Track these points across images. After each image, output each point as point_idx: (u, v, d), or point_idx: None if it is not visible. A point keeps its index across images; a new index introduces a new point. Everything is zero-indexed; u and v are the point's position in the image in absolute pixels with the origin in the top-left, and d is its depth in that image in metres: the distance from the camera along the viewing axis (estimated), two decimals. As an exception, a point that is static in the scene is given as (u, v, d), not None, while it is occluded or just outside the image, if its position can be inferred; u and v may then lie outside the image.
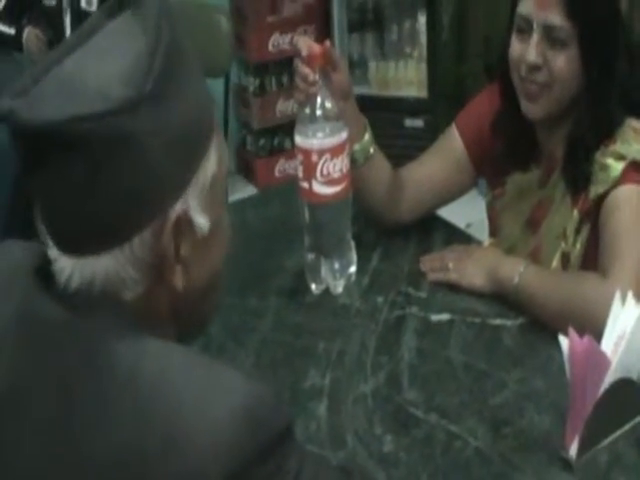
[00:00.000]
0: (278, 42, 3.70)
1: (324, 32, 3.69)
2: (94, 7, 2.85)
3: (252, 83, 3.81)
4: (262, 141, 3.97)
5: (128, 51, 0.84)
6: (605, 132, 1.62)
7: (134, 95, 0.81)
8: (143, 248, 0.86)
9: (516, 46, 1.63)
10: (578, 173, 1.64)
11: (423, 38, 3.59)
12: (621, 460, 1.27)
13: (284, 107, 3.85)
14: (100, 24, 0.89)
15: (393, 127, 3.66)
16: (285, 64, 3.73)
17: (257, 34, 3.67)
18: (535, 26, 1.58)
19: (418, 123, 3.77)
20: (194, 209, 0.88)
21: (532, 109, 1.64)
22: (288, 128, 3.80)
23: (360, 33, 3.80)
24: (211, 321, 1.03)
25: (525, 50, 1.60)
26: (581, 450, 1.25)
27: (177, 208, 0.87)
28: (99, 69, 0.83)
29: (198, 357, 0.89)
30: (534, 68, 1.60)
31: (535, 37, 1.59)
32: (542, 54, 1.59)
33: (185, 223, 0.88)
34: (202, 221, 0.89)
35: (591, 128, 1.62)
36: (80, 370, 0.86)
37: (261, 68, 3.78)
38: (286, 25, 3.68)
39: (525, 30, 1.61)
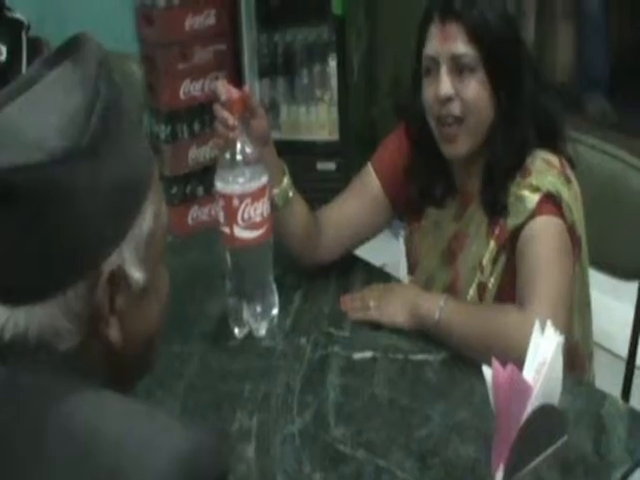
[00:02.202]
0: (189, 89, 3.71)
1: (235, 78, 3.71)
2: (3, 57, 2.83)
3: (163, 131, 3.80)
4: (174, 189, 3.96)
5: (67, 104, 0.84)
6: (519, 156, 1.67)
7: (70, 147, 0.82)
8: (77, 300, 0.86)
9: (427, 88, 1.67)
10: (495, 202, 1.69)
11: (334, 81, 3.64)
12: (545, 483, 1.31)
13: (196, 154, 3.85)
14: (41, 73, 0.89)
15: (305, 170, 3.68)
16: (197, 111, 3.74)
17: (168, 81, 3.67)
18: (442, 60, 1.63)
19: (330, 166, 3.81)
20: (129, 263, 0.88)
21: (453, 150, 1.69)
22: (200, 175, 3.85)
23: (271, 78, 3.84)
24: (150, 371, 1.03)
25: (436, 87, 1.65)
26: (507, 476, 1.29)
27: (111, 262, 0.87)
28: (37, 120, 0.84)
29: (135, 405, 0.89)
30: (447, 100, 1.64)
31: (443, 69, 1.63)
32: (453, 85, 1.63)
33: (120, 277, 0.88)
34: (138, 275, 0.89)
35: (506, 153, 1.67)
36: (15, 424, 0.85)
37: (172, 115, 3.78)
38: (197, 72, 3.70)
39: (433, 69, 1.65)
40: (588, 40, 3.90)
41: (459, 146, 1.68)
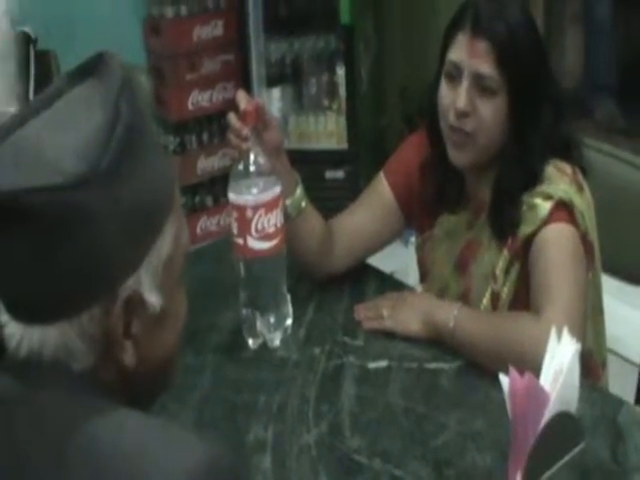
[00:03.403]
0: (197, 100, 3.72)
1: (244, 88, 3.71)
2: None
3: (172, 142, 3.81)
4: (183, 199, 3.97)
5: (87, 123, 0.84)
6: (530, 180, 1.67)
7: (88, 171, 0.81)
8: (92, 323, 0.85)
9: (446, 92, 1.67)
10: (504, 220, 1.69)
11: (342, 90, 3.64)
12: (563, 492, 1.30)
13: (205, 165, 3.86)
14: (64, 89, 0.88)
15: (314, 179, 3.68)
16: (205, 121, 3.75)
17: (176, 92, 3.69)
18: (466, 74, 1.62)
19: (339, 175, 3.82)
20: (146, 288, 0.87)
21: (459, 157, 1.69)
22: (209, 186, 3.85)
23: (279, 87, 3.85)
24: (167, 390, 1.02)
25: (455, 97, 1.64)
26: (525, 484, 1.28)
27: (128, 286, 0.86)
28: (56, 140, 0.83)
29: (152, 421, 0.89)
30: (463, 115, 1.64)
31: (465, 84, 1.63)
32: (471, 101, 1.63)
33: (136, 301, 0.87)
34: (154, 300, 0.89)
35: (516, 177, 1.67)
36: (35, 442, 0.84)
37: (181, 126, 3.79)
38: (205, 82, 3.70)
39: (455, 77, 1.65)
40: (596, 45, 3.90)
41: (465, 155, 1.68)
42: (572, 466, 1.31)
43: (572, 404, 1.34)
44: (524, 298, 1.66)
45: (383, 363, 1.64)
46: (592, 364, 1.76)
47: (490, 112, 1.63)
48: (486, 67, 1.61)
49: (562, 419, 1.31)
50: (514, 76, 1.61)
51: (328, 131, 3.82)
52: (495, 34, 1.60)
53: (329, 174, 3.85)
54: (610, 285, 1.90)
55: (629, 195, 1.96)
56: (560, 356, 1.33)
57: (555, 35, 3.92)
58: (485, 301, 1.74)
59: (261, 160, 1.61)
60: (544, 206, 1.65)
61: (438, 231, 1.86)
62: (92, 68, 0.90)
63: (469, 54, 1.62)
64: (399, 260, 2.56)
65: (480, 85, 1.62)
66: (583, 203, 1.69)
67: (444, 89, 1.67)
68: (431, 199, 1.82)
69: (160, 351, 0.94)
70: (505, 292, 1.72)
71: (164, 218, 0.89)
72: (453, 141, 1.68)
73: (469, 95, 1.63)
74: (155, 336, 0.92)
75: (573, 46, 3.96)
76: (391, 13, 3.53)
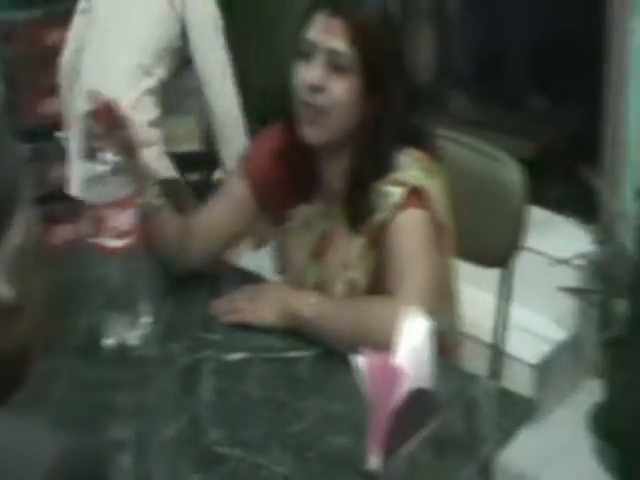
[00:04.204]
0: (51, 106, 3.64)
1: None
2: None
3: (26, 149, 3.73)
4: (39, 208, 3.86)
5: None
6: (383, 168, 1.70)
7: None
8: None
9: (299, 70, 1.69)
10: (358, 208, 1.72)
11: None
12: (421, 464, 1.33)
13: (60, 172, 3.78)
14: None
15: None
16: (59, 128, 3.67)
17: (29, 99, 3.60)
18: (320, 49, 1.65)
19: (195, 177, 3.80)
20: None
21: (310, 132, 1.70)
22: (63, 193, 3.77)
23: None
24: (22, 388, 1.00)
25: (308, 72, 1.67)
26: (383, 460, 1.31)
27: None
28: None
29: (5, 418, 0.86)
30: (315, 89, 1.66)
31: (318, 59, 1.65)
32: (324, 77, 1.65)
33: None
34: (5, 291, 0.87)
35: (370, 166, 1.70)
36: None
37: (34, 133, 3.70)
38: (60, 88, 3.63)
39: (309, 54, 1.67)
40: (449, 40, 3.99)
41: (317, 130, 1.69)
42: (429, 440, 1.33)
43: (427, 380, 1.37)
44: (381, 284, 1.68)
45: (241, 355, 1.64)
46: (446, 344, 1.79)
47: (343, 89, 1.66)
48: (340, 44, 1.64)
49: (418, 395, 1.34)
50: (367, 56, 1.65)
51: (186, 133, 3.80)
52: (352, 13, 1.65)
53: (189, 176, 3.82)
54: (464, 269, 1.95)
55: (483, 182, 2.02)
56: (414, 334, 1.37)
57: (410, 30, 3.99)
58: (342, 289, 1.76)
59: (115, 159, 1.59)
60: (397, 193, 1.68)
61: (294, 222, 1.87)
62: None
63: (325, 31, 1.65)
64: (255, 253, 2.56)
65: (334, 62, 1.65)
66: (435, 189, 1.72)
67: (299, 68, 1.69)
68: (286, 190, 1.83)
69: (14, 344, 0.92)
70: (362, 279, 1.74)
71: (12, 209, 0.87)
72: (306, 117, 1.69)
73: (322, 70, 1.65)
74: (8, 329, 0.89)
75: (428, 41, 4.04)
76: (243, 15, 3.53)
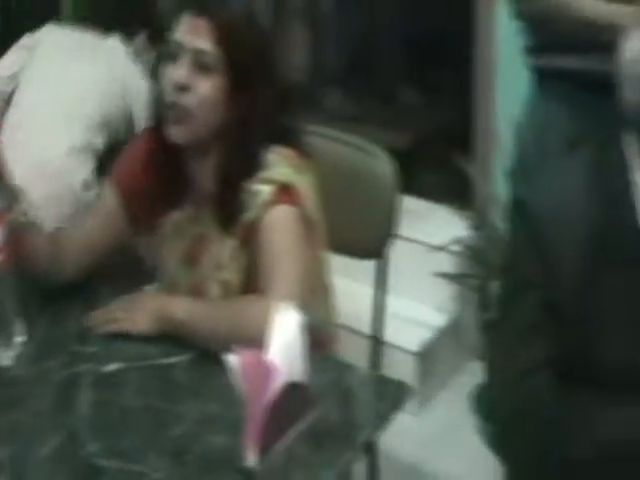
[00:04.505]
0: None
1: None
2: None
3: None
4: None
5: None
6: (252, 167, 1.71)
7: None
8: None
9: (166, 71, 1.69)
10: (228, 208, 1.72)
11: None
12: (299, 457, 1.34)
13: None
14: None
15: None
16: None
17: None
18: (185, 50, 1.66)
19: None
20: None
21: (176, 132, 1.70)
22: None
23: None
24: None
25: (173, 72, 1.67)
26: (261, 457, 1.31)
27: None
28: None
29: None
30: (181, 89, 1.66)
31: (184, 59, 1.66)
32: (189, 76, 1.66)
33: None
34: None
35: (239, 165, 1.71)
36: None
37: None
38: None
39: (176, 55, 1.67)
40: (323, 38, 4.02)
41: (183, 130, 1.69)
42: (305, 433, 1.35)
43: (301, 374, 1.38)
44: (255, 283, 1.69)
45: (118, 365, 1.62)
46: (322, 338, 1.82)
47: (208, 89, 1.66)
48: (206, 43, 1.65)
49: (292, 389, 1.35)
50: (233, 56, 1.66)
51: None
52: (217, 13, 1.66)
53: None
54: (341, 262, 1.97)
55: (353, 174, 2.04)
56: (285, 329, 1.38)
57: (284, 29, 4.01)
58: (216, 291, 1.76)
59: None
60: (265, 191, 1.69)
61: (165, 229, 1.86)
62: None
63: (190, 31, 1.66)
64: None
65: (199, 61, 1.66)
66: (304, 184, 1.74)
67: (166, 70, 1.69)
68: (155, 197, 1.82)
69: None
70: (235, 280, 1.75)
71: None
72: (172, 118, 1.69)
73: (188, 70, 1.66)
74: None
75: (301, 39, 4.07)
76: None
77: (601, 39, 1.63)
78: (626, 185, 1.44)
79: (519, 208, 1.49)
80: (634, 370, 1.41)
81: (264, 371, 1.32)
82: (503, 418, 1.45)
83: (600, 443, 1.36)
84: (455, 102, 3.29)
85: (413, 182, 3.22)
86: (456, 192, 2.87)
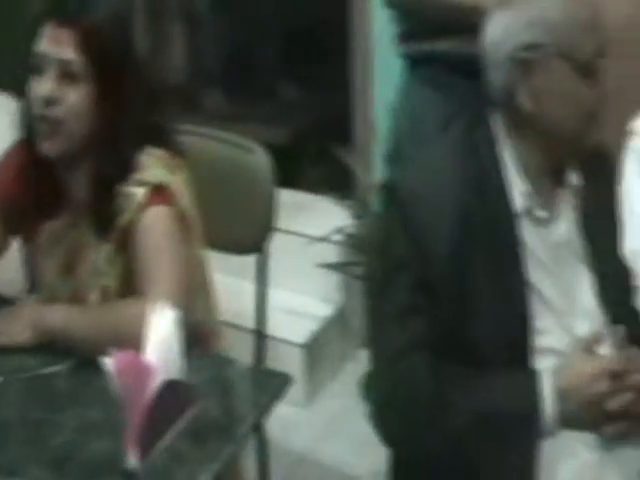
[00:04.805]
0: None
1: None
2: None
3: None
4: None
5: None
6: (125, 170, 1.70)
7: None
8: None
9: (34, 85, 1.66)
10: (103, 213, 1.71)
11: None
12: (181, 455, 1.35)
13: None
14: None
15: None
16: None
17: None
18: (50, 61, 1.64)
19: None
20: None
21: (47, 146, 1.68)
22: None
23: None
24: None
25: (40, 86, 1.65)
26: (142, 457, 1.31)
27: None
28: None
29: None
30: (49, 102, 1.64)
31: (50, 71, 1.64)
32: (56, 88, 1.64)
33: None
34: None
35: (111, 169, 1.69)
36: None
37: None
38: None
39: (41, 68, 1.65)
40: (200, 38, 4.01)
41: (53, 144, 1.68)
42: (186, 430, 1.35)
43: (179, 371, 1.38)
44: (135, 287, 1.68)
45: (-3, 379, 1.60)
46: (204, 335, 1.82)
47: (77, 98, 1.65)
48: (70, 53, 1.63)
49: (171, 387, 1.36)
50: (98, 62, 1.64)
51: None
52: (78, 21, 1.64)
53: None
54: (223, 259, 1.98)
55: (231, 172, 2.05)
56: (160, 328, 1.38)
57: (160, 31, 3.99)
58: (95, 297, 1.74)
59: None
60: (139, 193, 1.69)
61: (42, 239, 1.84)
62: None
63: (54, 42, 1.64)
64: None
65: (65, 71, 1.64)
66: (178, 184, 1.74)
67: (33, 83, 1.67)
68: (31, 208, 1.80)
69: None
70: (114, 285, 1.73)
71: None
72: (43, 131, 1.67)
73: (54, 82, 1.64)
74: None
75: (179, 41, 4.05)
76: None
77: (467, 23, 1.68)
78: (495, 161, 1.48)
79: (391, 191, 1.52)
80: (505, 345, 1.45)
81: (140, 371, 1.32)
82: (381, 400, 1.47)
83: (477, 413, 1.40)
84: (334, 94, 3.32)
85: (295, 176, 3.26)
86: (338, 183, 2.90)
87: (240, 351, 1.85)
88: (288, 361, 2.57)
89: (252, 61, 4.00)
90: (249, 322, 2.05)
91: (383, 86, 2.80)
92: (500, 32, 1.46)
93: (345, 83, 3.04)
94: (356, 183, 2.86)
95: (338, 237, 2.73)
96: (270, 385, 1.50)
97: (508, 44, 1.44)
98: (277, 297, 2.08)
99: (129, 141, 1.71)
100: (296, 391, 2.69)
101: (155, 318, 1.39)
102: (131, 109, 1.70)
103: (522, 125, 1.48)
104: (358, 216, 2.70)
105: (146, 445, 1.31)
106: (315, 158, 3.34)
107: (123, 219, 1.69)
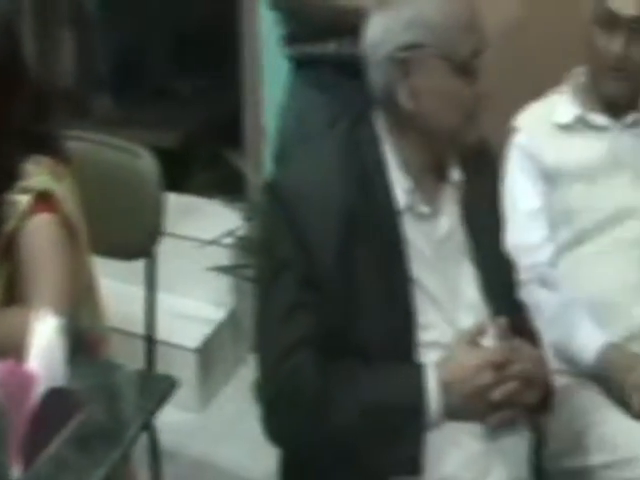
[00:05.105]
0: None
1: None
2: None
3: None
4: None
5: None
6: (9, 177, 1.67)
7: None
8: None
9: None
10: None
11: None
12: (67, 462, 1.33)
13: None
14: None
15: None
16: None
17: None
18: None
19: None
20: None
21: None
22: None
23: None
24: None
25: None
26: (27, 466, 1.29)
27: None
28: None
29: None
30: None
31: None
32: None
33: None
34: None
35: None
36: None
37: None
38: None
39: None
40: (89, 43, 3.96)
41: None
42: (72, 437, 1.33)
43: (62, 379, 1.36)
44: (20, 296, 1.65)
45: None
46: (91, 341, 1.80)
47: None
48: None
49: (54, 395, 1.33)
50: None
51: None
52: None
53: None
54: (113, 265, 1.96)
55: (117, 177, 2.04)
56: (44, 337, 1.36)
57: (49, 37, 3.92)
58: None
59: None
60: (23, 200, 1.66)
61: None
62: None
63: None
64: None
65: None
66: (63, 191, 1.72)
67: None
68: None
69: None
70: (-1, 294, 1.70)
71: None
72: None
73: None
74: None
75: (69, 46, 3.99)
76: None
77: (349, 24, 1.70)
78: (377, 159, 1.50)
79: (275, 191, 1.53)
80: (390, 341, 1.47)
81: (22, 380, 1.30)
82: (269, 399, 1.48)
83: (363, 408, 1.41)
84: (224, 97, 3.32)
85: (186, 180, 3.25)
86: (229, 186, 2.90)
87: (132, 357, 1.83)
88: (182, 366, 2.56)
89: (142, 65, 3.98)
90: (140, 328, 2.03)
91: (272, 88, 2.81)
92: (380, 33, 1.48)
93: (235, 85, 3.04)
94: (247, 185, 2.86)
95: (229, 240, 2.73)
96: (157, 389, 1.49)
97: (387, 44, 1.46)
98: (169, 302, 2.07)
99: (13, 149, 1.68)
100: (190, 396, 2.69)
101: (38, 326, 1.37)
102: (16, 116, 1.67)
103: (403, 123, 1.50)
104: (249, 218, 2.71)
105: (30, 454, 1.29)
106: (206, 161, 3.34)
107: (7, 227, 1.66)
